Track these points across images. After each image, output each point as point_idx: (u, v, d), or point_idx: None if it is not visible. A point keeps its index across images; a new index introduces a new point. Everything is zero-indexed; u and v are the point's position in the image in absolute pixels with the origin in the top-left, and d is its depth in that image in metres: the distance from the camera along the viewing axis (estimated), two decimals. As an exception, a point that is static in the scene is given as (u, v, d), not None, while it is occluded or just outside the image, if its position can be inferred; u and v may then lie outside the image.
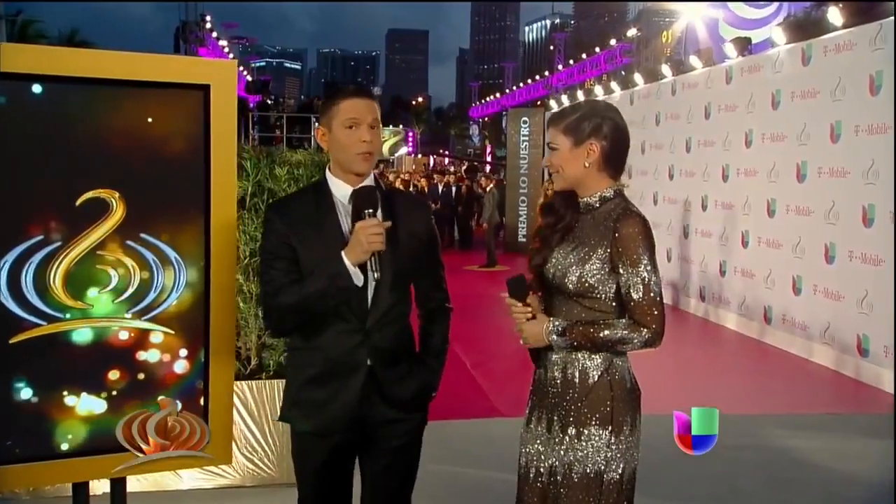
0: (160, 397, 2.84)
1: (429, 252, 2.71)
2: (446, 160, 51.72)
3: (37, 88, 2.63)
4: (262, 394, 4.69)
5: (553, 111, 2.63)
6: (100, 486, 4.36)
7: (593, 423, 2.41)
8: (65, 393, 2.77)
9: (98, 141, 2.72)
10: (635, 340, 2.39)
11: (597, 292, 2.42)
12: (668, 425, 5.94)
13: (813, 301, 8.35)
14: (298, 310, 2.49)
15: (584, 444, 2.40)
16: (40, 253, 2.68)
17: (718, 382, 7.73)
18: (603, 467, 2.40)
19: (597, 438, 2.40)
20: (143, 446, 2.84)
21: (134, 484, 4.54)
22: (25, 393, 2.73)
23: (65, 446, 2.80)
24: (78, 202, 2.70)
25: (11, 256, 2.64)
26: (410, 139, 65.41)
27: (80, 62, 2.67)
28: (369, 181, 2.60)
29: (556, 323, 2.42)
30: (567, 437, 2.42)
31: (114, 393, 2.81)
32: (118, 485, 2.95)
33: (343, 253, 2.44)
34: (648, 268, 2.38)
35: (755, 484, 4.99)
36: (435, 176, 22.85)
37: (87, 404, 2.80)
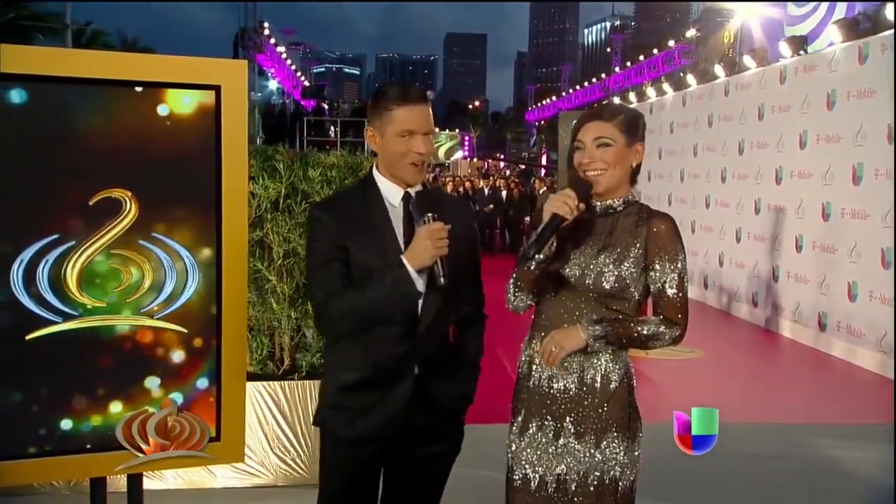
0: (167, 396, 2.87)
1: (471, 255, 2.63)
2: (501, 164, 51.63)
3: (50, 89, 2.68)
4: (294, 394, 4.72)
5: (591, 108, 2.55)
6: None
7: (613, 429, 2.35)
8: (79, 389, 2.81)
9: (112, 141, 2.76)
10: (666, 337, 2.36)
11: (628, 293, 2.37)
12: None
13: (869, 307, 8.06)
14: (357, 316, 2.41)
15: (602, 451, 2.34)
16: (55, 251, 2.72)
17: (768, 390, 7.52)
18: (618, 474, 2.34)
19: (615, 445, 2.35)
20: (143, 446, 2.85)
21: (170, 481, 4.64)
22: (40, 389, 2.78)
23: (78, 442, 2.84)
24: (92, 201, 2.75)
25: (27, 254, 2.70)
26: (466, 143, 65.47)
27: (94, 63, 2.72)
28: (419, 184, 2.55)
29: (593, 318, 2.35)
30: (582, 445, 2.35)
31: (126, 390, 2.85)
32: (135, 480, 2.99)
33: (404, 258, 2.37)
34: (684, 263, 2.36)
35: (795, 494, 4.84)
36: (481, 180, 22.82)
37: (101, 401, 2.84)
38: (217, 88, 2.78)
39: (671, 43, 43.00)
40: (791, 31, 14.68)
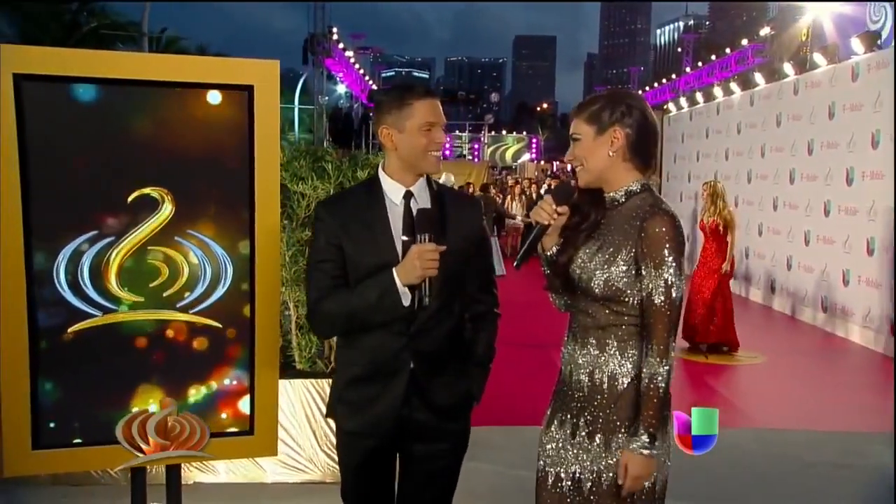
0: (201, 389, 2.94)
1: (478, 253, 2.65)
2: (569, 166, 51.18)
3: (92, 90, 2.78)
4: (342, 392, 4.77)
5: (579, 102, 2.49)
6: (192, 476, 4.59)
7: (622, 431, 2.29)
8: (116, 381, 2.90)
9: (148, 140, 2.84)
10: (661, 370, 2.22)
11: (625, 296, 2.28)
12: (770, 440, 5.65)
13: (944, 313, 7.72)
14: (343, 318, 2.49)
15: (613, 452, 2.29)
16: (95, 247, 2.82)
17: (834, 397, 7.26)
18: None
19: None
20: (143, 446, 2.89)
21: (222, 476, 4.75)
22: (80, 380, 2.88)
23: (111, 433, 2.92)
24: (129, 199, 2.84)
25: (69, 250, 2.81)
26: (534, 145, 65.14)
27: (133, 65, 2.81)
28: (422, 182, 2.58)
29: (638, 442, 2.23)
30: (594, 445, 2.31)
31: (162, 383, 2.93)
32: (173, 471, 3.07)
33: (395, 272, 2.41)
34: (675, 270, 2.24)
35: (847, 502, 4.69)
36: (547, 180, 22.78)
37: (138, 392, 2.92)
38: (250, 89, 2.84)
39: (744, 42, 41.95)
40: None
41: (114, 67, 2.75)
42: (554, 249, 2.43)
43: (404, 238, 2.50)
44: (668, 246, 2.23)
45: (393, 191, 2.55)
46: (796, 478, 5.01)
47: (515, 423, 5.38)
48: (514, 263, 2.47)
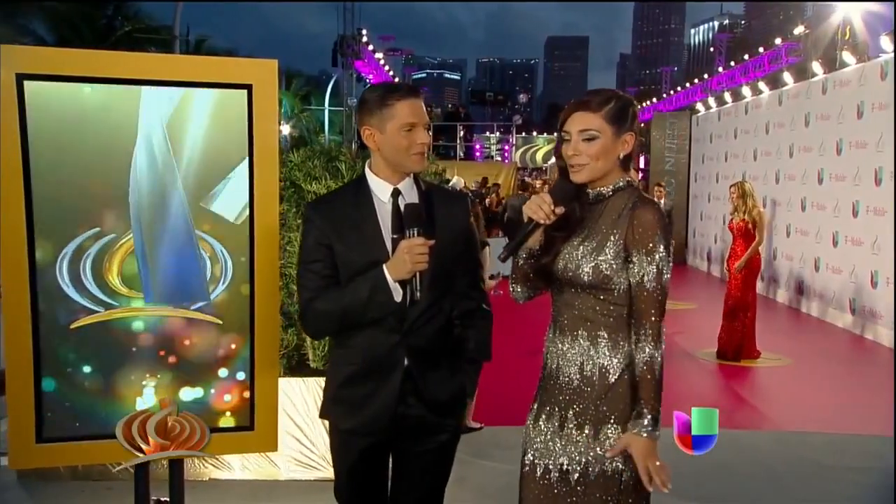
0: (203, 386, 2.98)
1: (466, 250, 2.65)
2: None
3: (94, 90, 2.82)
4: (353, 390, 4.79)
5: (581, 97, 2.36)
6: (208, 472, 4.64)
7: (611, 421, 2.30)
8: (117, 377, 2.94)
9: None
10: (656, 355, 2.24)
11: (612, 283, 2.30)
12: (790, 442, 5.56)
13: (974, 316, 7.55)
14: (336, 316, 2.50)
15: (602, 443, 2.30)
16: (97, 244, 2.88)
17: (857, 400, 7.14)
18: (621, 466, 2.29)
19: (614, 438, 2.29)
20: (143, 446, 2.90)
21: (237, 472, 4.81)
22: (82, 376, 2.92)
23: (114, 428, 2.93)
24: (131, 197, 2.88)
25: (72, 247, 2.86)
26: (565, 146, 64.72)
27: (133, 65, 2.85)
28: (409, 180, 2.58)
29: (642, 424, 2.24)
30: (583, 436, 2.32)
31: (163, 379, 2.97)
32: (175, 466, 3.10)
33: (385, 267, 2.43)
34: (664, 257, 2.26)
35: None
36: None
37: (138, 388, 2.96)
38: (249, 87, 2.87)
39: (777, 41, 41.34)
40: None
41: (115, 67, 2.80)
42: (536, 246, 2.41)
43: (394, 236, 2.50)
44: (658, 233, 2.26)
45: (380, 189, 2.56)
46: (813, 480, 4.94)
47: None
48: (500, 256, 2.44)
